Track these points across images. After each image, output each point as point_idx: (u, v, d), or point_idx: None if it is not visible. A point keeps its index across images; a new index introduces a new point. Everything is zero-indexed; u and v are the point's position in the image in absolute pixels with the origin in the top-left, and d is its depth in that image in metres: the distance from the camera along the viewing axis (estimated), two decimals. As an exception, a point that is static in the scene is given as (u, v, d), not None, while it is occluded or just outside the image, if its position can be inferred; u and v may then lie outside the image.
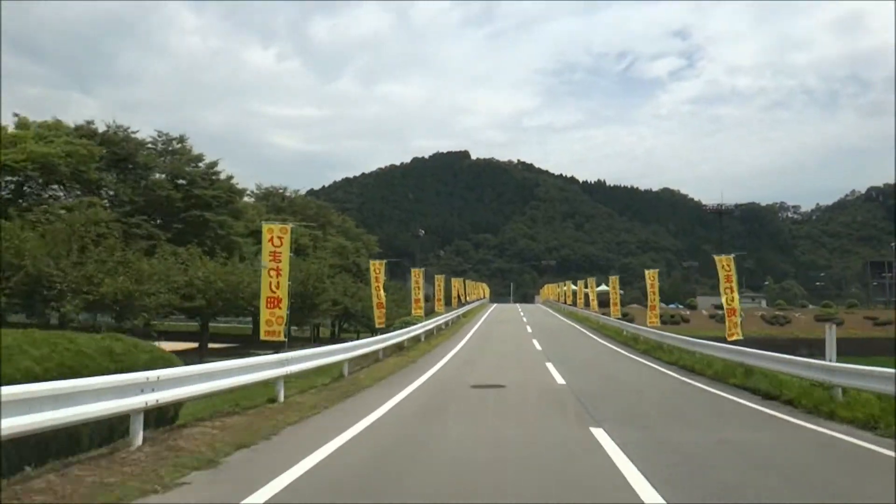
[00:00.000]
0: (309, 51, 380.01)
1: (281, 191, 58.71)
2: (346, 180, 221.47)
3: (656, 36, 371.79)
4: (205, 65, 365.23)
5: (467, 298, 61.80)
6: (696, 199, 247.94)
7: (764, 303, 79.06)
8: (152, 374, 6.26)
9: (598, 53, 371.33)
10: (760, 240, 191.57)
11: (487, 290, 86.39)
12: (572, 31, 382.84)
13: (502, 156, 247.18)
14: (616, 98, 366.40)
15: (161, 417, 7.24)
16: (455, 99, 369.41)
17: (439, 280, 42.33)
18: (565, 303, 55.59)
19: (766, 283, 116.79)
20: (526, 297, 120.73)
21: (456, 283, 59.21)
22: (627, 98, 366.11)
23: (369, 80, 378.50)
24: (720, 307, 61.54)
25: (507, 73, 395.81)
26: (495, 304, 70.94)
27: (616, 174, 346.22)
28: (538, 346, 22.04)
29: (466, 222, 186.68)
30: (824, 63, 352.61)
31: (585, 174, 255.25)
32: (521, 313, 47.42)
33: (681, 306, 67.66)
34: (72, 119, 36.19)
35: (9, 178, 29.30)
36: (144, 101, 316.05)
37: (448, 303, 49.86)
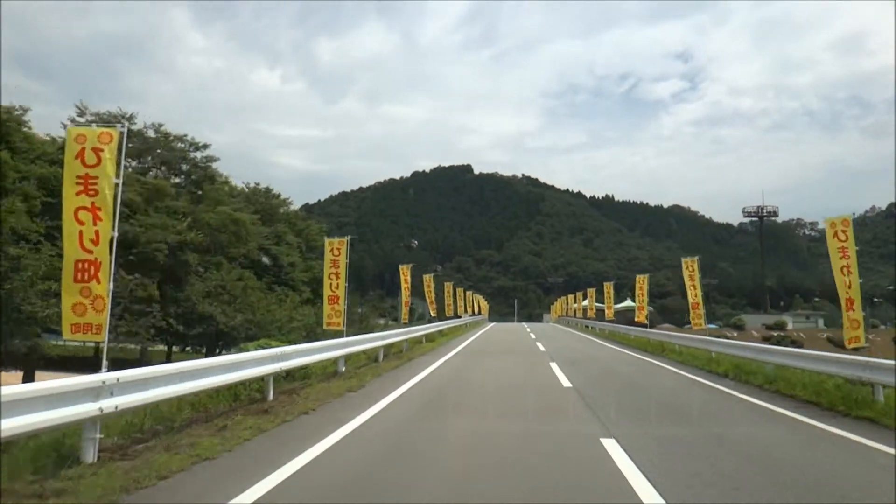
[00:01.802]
0: (314, 72, 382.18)
1: (125, 118, 31.29)
2: (343, 194, 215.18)
3: (658, 58, 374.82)
4: (210, 85, 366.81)
5: (449, 312, 46.17)
6: (706, 216, 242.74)
7: (821, 322, 70.63)
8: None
9: (600, 75, 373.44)
10: (779, 257, 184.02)
11: (485, 306, 73.82)
12: (574, 53, 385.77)
13: (506, 171, 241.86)
14: (619, 120, 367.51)
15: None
16: (458, 119, 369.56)
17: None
18: (587, 318, 46.26)
19: (817, 299, 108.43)
20: (532, 317, 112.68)
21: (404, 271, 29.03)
22: (630, 119, 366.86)
23: (373, 101, 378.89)
24: (773, 327, 54.14)
25: (509, 94, 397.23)
26: (493, 324, 55.37)
27: (620, 195, 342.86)
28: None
29: (468, 238, 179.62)
30: (826, 84, 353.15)
31: (590, 193, 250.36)
32: (531, 335, 33.27)
33: (717, 326, 59.72)
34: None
35: None
36: (151, 120, 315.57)
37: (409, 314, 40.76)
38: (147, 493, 4.67)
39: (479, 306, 67.25)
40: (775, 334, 43.55)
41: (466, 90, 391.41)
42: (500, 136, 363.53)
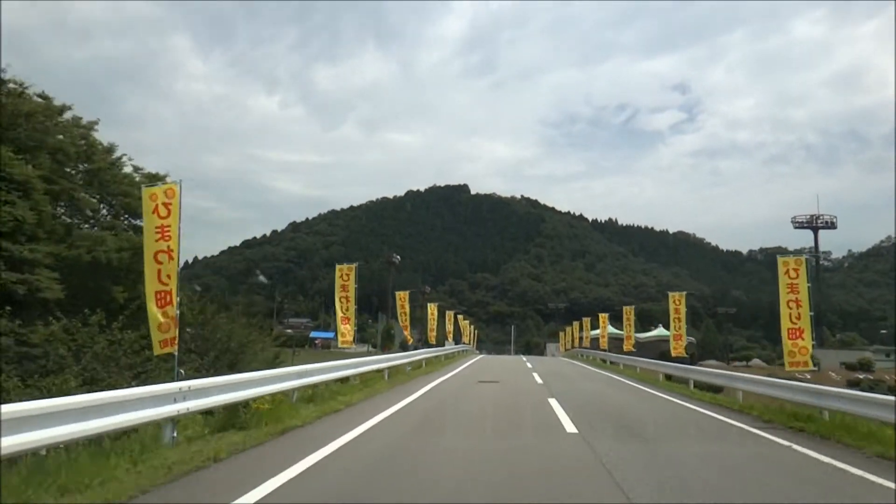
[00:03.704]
0: (312, 98, 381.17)
1: None
2: (333, 213, 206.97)
3: (655, 89, 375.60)
4: (210, 110, 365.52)
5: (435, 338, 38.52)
6: (712, 243, 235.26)
7: (902, 359, 61.41)
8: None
9: (598, 105, 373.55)
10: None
11: (466, 326, 61.07)
12: (572, 83, 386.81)
13: (504, 192, 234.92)
14: (617, 150, 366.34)
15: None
16: (456, 147, 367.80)
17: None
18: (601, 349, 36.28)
19: (884, 330, 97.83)
20: (530, 348, 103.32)
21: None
22: (628, 150, 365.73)
23: (371, 128, 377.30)
24: (856, 367, 44.59)
25: (507, 122, 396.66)
26: (482, 356, 43.37)
27: (622, 221, 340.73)
28: None
29: (463, 260, 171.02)
30: (822, 119, 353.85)
31: (591, 217, 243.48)
32: (555, 404, 12.46)
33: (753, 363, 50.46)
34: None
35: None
36: (149, 145, 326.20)
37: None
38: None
39: (463, 331, 55.80)
40: (862, 377, 34.66)
41: (465, 118, 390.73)
42: (498, 163, 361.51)
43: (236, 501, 4.58)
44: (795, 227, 75.58)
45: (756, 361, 56.30)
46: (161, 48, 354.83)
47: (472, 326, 65.32)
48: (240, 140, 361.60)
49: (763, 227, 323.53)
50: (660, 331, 51.91)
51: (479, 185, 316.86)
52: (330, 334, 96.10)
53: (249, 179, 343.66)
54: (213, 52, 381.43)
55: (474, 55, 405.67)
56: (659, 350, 31.37)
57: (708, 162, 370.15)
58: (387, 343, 51.64)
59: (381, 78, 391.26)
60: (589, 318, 43.47)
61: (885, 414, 8.55)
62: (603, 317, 38.89)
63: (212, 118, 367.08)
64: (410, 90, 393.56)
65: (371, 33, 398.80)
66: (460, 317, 53.21)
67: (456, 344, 46.52)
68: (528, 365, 30.10)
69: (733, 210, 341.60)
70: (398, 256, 65.84)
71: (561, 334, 64.66)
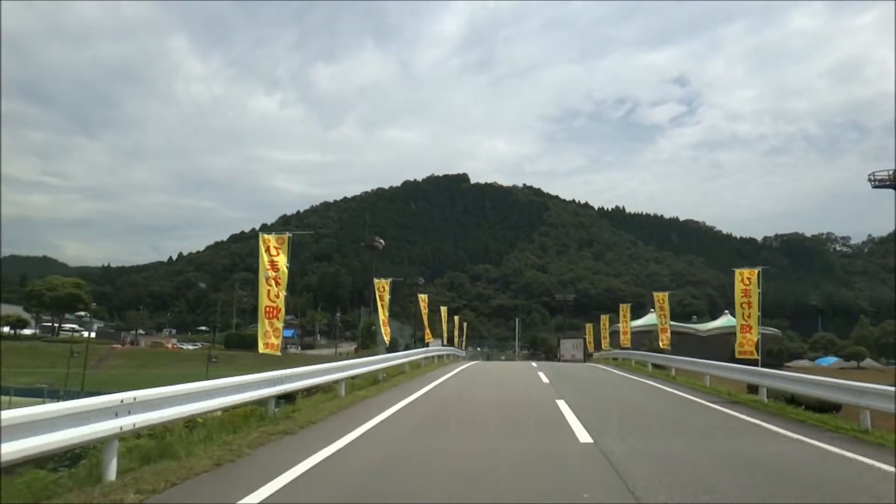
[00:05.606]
0: (312, 97, 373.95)
1: None
2: (325, 205, 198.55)
3: (655, 83, 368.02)
4: (210, 111, 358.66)
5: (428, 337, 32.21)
6: (724, 231, 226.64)
7: None
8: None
9: (598, 100, 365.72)
10: (812, 274, 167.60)
11: (457, 323, 50.49)
12: (571, 78, 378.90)
13: (506, 181, 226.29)
14: (617, 144, 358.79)
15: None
16: (456, 145, 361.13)
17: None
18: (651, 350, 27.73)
19: None
20: (537, 344, 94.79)
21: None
22: (629, 143, 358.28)
23: (371, 126, 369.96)
24: None
25: (507, 119, 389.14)
26: (471, 363, 31.29)
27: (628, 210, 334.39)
28: None
29: (463, 251, 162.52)
30: (823, 110, 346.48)
31: (596, 206, 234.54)
32: None
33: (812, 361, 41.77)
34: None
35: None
36: (150, 147, 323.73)
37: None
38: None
39: (447, 330, 44.71)
40: None
41: (465, 115, 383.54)
42: (499, 160, 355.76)
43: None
44: (875, 187, 63.71)
45: (869, 362, 45.93)
46: (160, 50, 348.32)
47: (459, 318, 54.43)
48: (241, 140, 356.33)
49: (766, 219, 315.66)
50: (726, 320, 43.44)
51: (480, 182, 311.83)
52: (289, 332, 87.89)
53: (251, 179, 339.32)
54: (212, 53, 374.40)
55: (473, 53, 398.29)
56: (729, 345, 22.92)
57: (708, 154, 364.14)
58: (368, 343, 43.14)
59: (380, 76, 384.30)
60: (629, 305, 35.10)
61: None
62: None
63: (212, 119, 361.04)
64: (409, 88, 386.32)
65: (370, 32, 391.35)
66: (444, 307, 41.92)
67: (443, 346, 35.01)
68: (584, 437, 7.82)
69: (735, 202, 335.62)
70: (382, 240, 57.15)
71: (588, 326, 52.14)
